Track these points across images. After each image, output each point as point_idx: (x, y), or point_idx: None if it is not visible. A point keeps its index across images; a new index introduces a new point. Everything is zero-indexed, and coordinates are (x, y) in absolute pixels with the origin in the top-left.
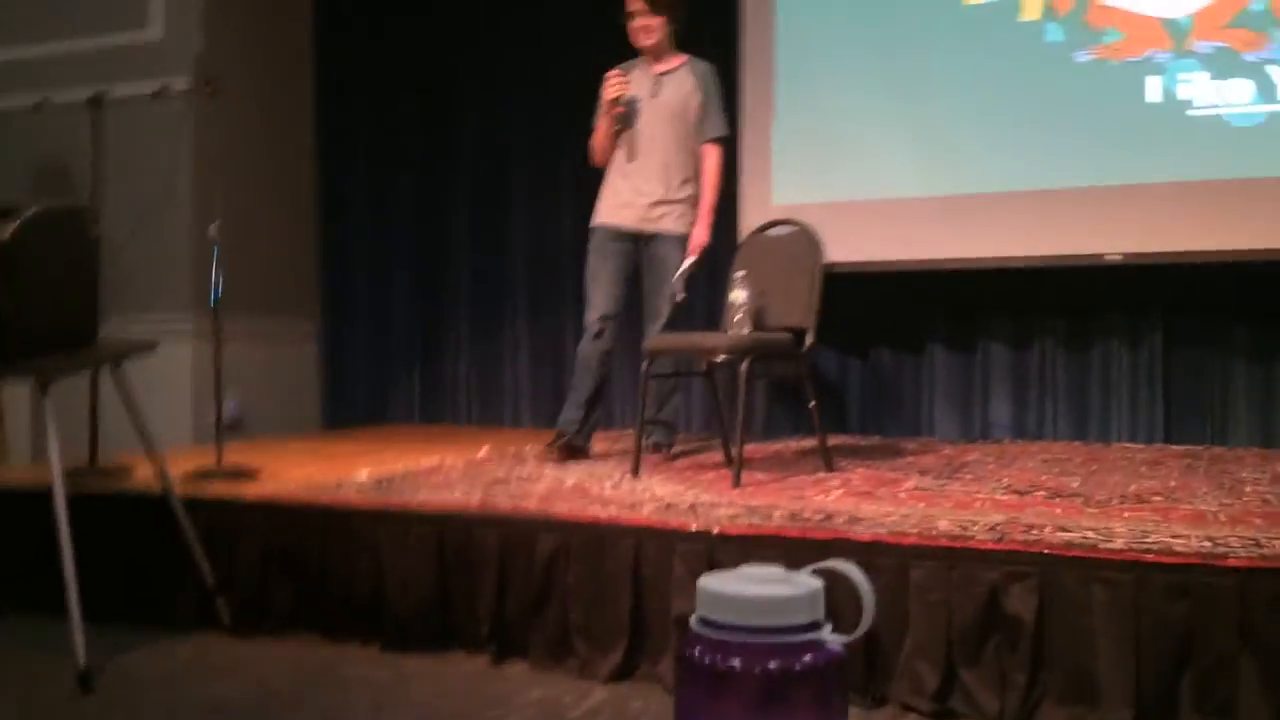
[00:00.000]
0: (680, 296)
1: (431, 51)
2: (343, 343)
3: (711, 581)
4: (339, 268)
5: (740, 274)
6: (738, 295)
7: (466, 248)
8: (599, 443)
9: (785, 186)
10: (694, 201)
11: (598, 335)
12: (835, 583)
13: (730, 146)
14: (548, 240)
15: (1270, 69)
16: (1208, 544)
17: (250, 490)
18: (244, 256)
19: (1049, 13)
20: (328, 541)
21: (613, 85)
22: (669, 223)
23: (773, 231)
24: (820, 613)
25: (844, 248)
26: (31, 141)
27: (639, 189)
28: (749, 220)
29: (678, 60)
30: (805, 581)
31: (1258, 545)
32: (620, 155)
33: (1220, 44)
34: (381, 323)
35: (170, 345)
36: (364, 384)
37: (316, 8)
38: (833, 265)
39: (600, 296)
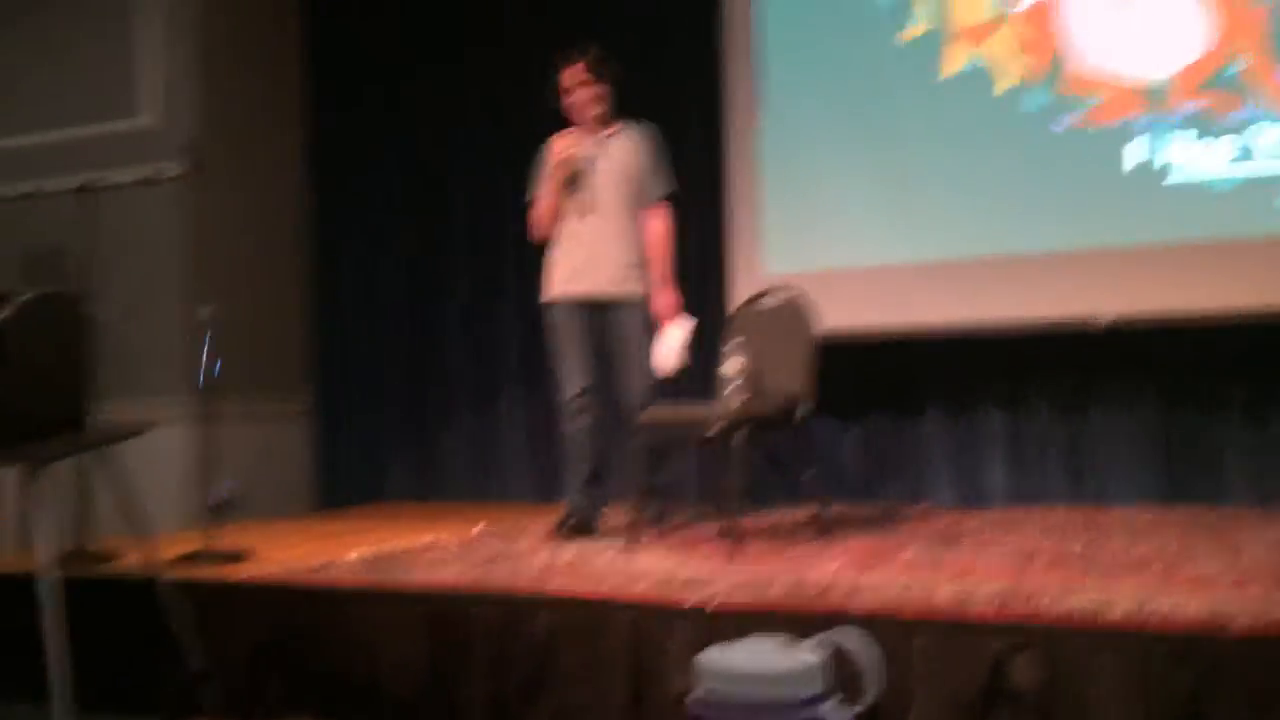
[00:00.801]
0: (669, 371)
1: (423, 134)
2: (337, 421)
3: (714, 656)
4: (332, 346)
5: (733, 344)
6: (731, 366)
7: (459, 322)
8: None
9: (775, 257)
10: (645, 265)
11: (580, 412)
12: (842, 653)
13: (717, 217)
14: (541, 314)
15: (1246, 131)
16: (1209, 611)
17: (239, 573)
18: (236, 337)
19: (1024, 81)
20: (319, 624)
21: (559, 149)
22: (630, 287)
23: (764, 302)
24: (826, 685)
25: (836, 315)
26: (23, 229)
27: (595, 255)
28: (740, 291)
29: (617, 125)
30: (809, 654)
31: (1259, 611)
32: (567, 225)
33: (1196, 107)
34: (375, 400)
35: (163, 428)
36: (358, 463)
37: (308, 92)
38: (826, 333)
39: (575, 372)
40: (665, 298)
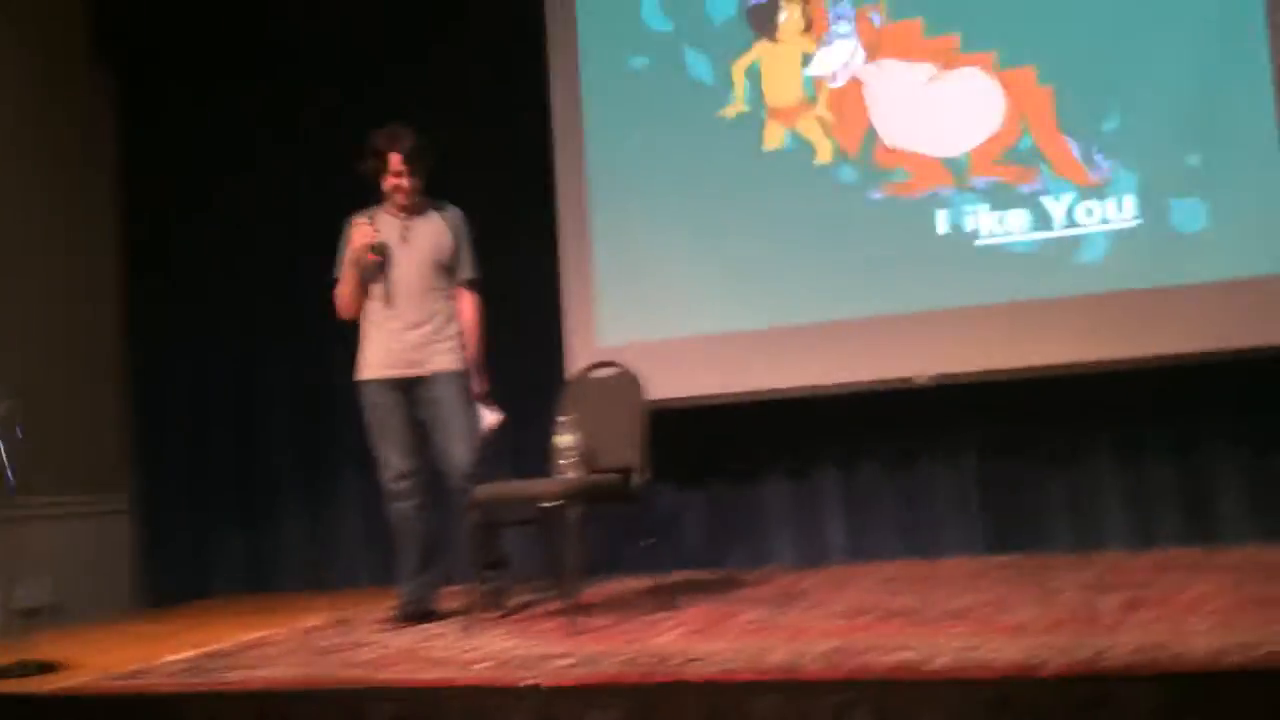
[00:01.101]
0: (495, 420)
1: (242, 214)
2: (158, 514)
3: None
4: (151, 438)
5: (566, 418)
6: (564, 439)
7: (287, 404)
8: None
9: (608, 328)
10: (459, 339)
11: (401, 495)
12: None
13: (552, 289)
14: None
15: (1043, 199)
16: (1023, 655)
17: (49, 684)
18: (47, 433)
19: (840, 155)
20: None
21: (363, 232)
22: (440, 360)
23: (597, 373)
24: None
25: (670, 384)
26: None
27: (402, 335)
28: (576, 362)
29: (423, 205)
30: None
31: (1069, 653)
32: (375, 305)
33: (995, 178)
34: (199, 490)
35: None
36: (184, 557)
37: (119, 174)
38: (660, 401)
39: (393, 454)
40: (479, 384)
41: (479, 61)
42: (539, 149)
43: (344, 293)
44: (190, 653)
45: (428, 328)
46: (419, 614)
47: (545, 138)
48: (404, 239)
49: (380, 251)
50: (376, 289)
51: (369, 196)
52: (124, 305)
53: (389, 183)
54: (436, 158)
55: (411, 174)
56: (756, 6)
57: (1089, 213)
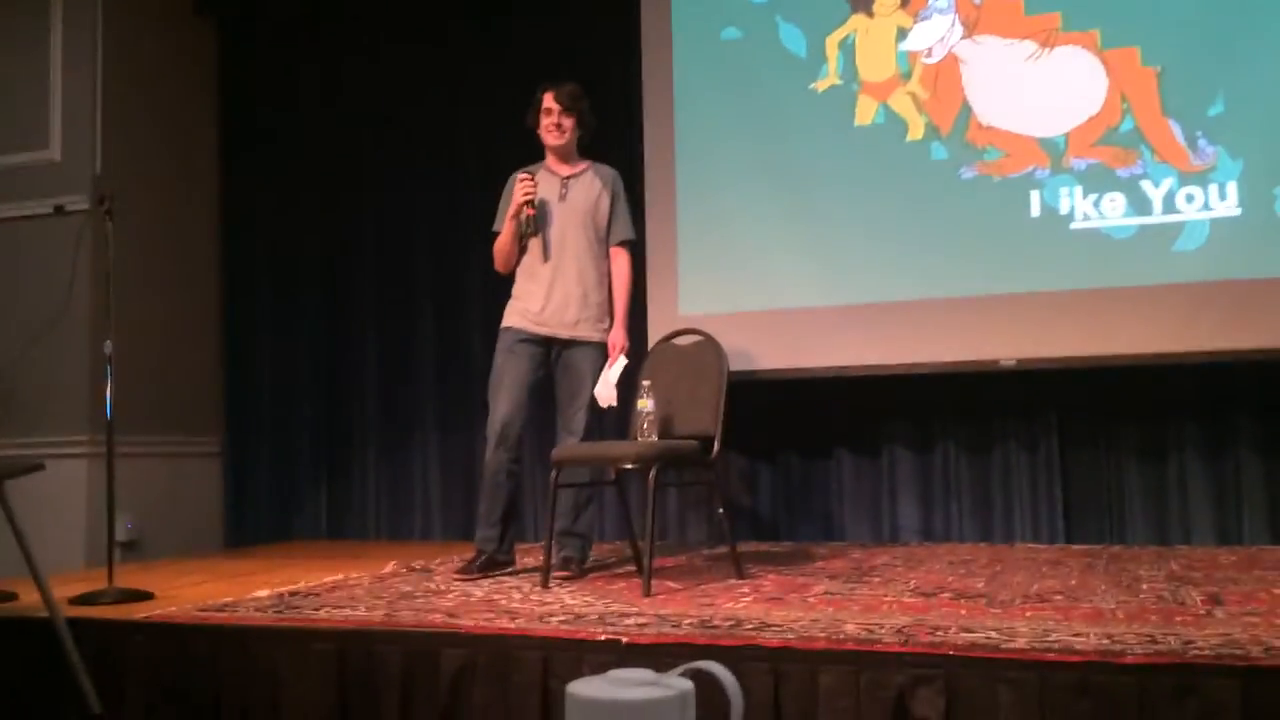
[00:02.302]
0: (612, 402)
1: (335, 171)
2: (247, 459)
3: (579, 688)
4: (243, 383)
5: (646, 383)
6: (644, 404)
7: (374, 359)
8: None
9: (691, 297)
10: (606, 307)
11: (500, 445)
12: (706, 684)
13: (638, 256)
14: (455, 350)
15: (1143, 184)
16: (1106, 641)
17: (140, 611)
18: (144, 374)
19: (932, 131)
20: (222, 663)
21: (524, 187)
22: (584, 329)
23: (679, 340)
24: (690, 715)
25: (749, 356)
26: None
27: (552, 294)
28: (656, 330)
29: (582, 165)
30: (675, 684)
31: (1153, 641)
32: (530, 259)
33: (1094, 161)
34: (286, 438)
35: (66, 465)
36: (268, 501)
37: (220, 130)
38: (737, 373)
39: (504, 402)
40: (617, 334)
41: (571, 26)
42: (629, 116)
43: (502, 245)
44: (276, 590)
45: (580, 290)
46: (490, 565)
47: (635, 105)
48: (562, 197)
49: (537, 207)
50: (531, 244)
51: (460, 164)
52: (221, 260)
53: (542, 125)
54: (593, 115)
55: (566, 112)
56: None
57: (1190, 199)
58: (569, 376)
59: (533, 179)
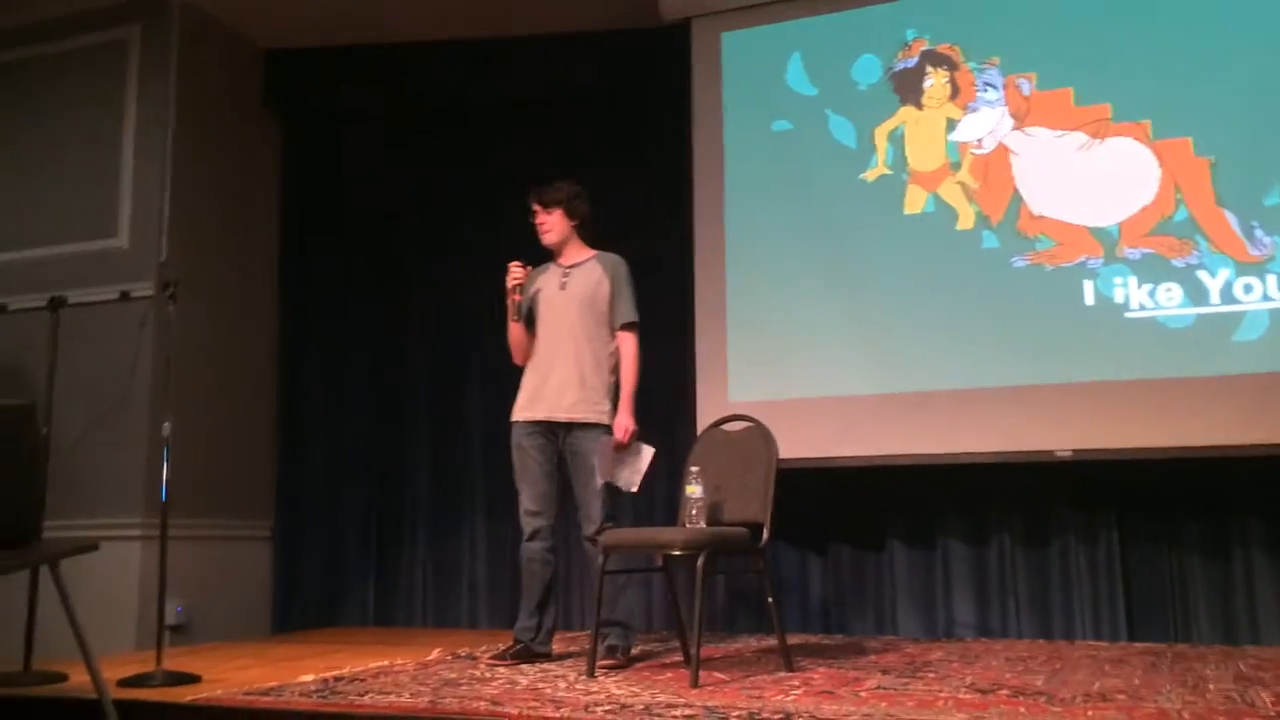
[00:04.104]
0: (633, 488)
1: (392, 265)
2: (296, 545)
3: None
4: (295, 467)
5: (695, 469)
6: (693, 489)
7: (424, 448)
8: (557, 643)
9: (740, 384)
10: (606, 391)
11: (532, 536)
12: None
13: (688, 343)
14: (503, 439)
15: (1199, 274)
16: None
17: (187, 694)
18: (200, 457)
19: (982, 221)
20: None
21: (512, 275)
22: (581, 411)
23: (728, 427)
24: None
25: (799, 444)
26: None
27: (550, 381)
28: (706, 417)
29: (586, 254)
30: None
31: None
32: (534, 349)
33: (1148, 250)
34: (336, 522)
35: (119, 547)
36: (317, 587)
37: (281, 221)
38: (787, 461)
39: (528, 498)
40: (621, 418)
41: (623, 119)
42: (679, 205)
43: (512, 336)
44: (322, 675)
45: (577, 373)
46: (526, 654)
47: (686, 190)
48: (563, 287)
49: (524, 294)
50: (538, 335)
51: (506, 251)
52: (277, 346)
53: (536, 223)
54: (588, 207)
55: (545, 210)
56: (902, 72)
57: (1248, 289)
58: (576, 463)
59: (522, 266)
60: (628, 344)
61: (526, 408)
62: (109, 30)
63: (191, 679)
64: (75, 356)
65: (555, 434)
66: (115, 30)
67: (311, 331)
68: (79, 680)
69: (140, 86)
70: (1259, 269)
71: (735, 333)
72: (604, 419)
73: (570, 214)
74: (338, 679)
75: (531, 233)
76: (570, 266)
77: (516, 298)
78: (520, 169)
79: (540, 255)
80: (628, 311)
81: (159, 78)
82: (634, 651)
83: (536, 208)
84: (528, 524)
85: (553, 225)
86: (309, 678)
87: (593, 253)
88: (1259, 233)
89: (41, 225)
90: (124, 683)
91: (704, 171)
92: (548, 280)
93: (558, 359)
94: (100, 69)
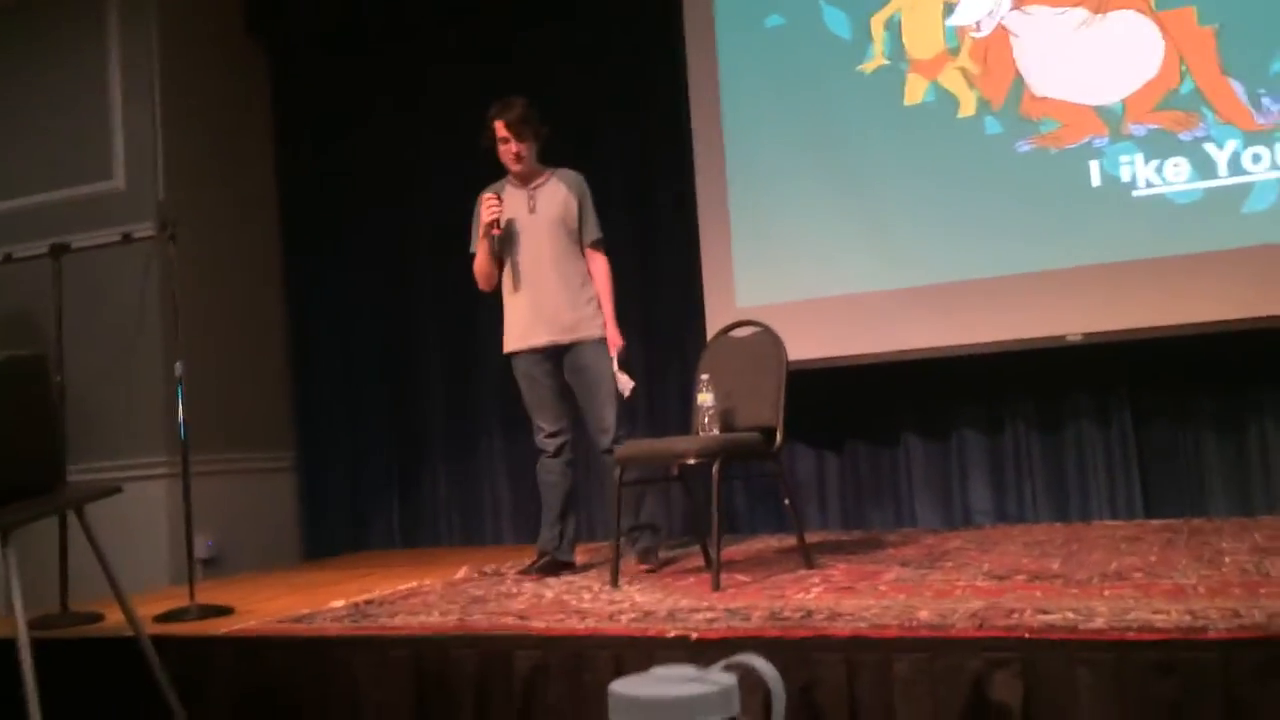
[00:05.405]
0: (631, 385)
1: (391, 185)
2: (319, 472)
3: (620, 686)
4: (312, 400)
5: (705, 377)
6: (705, 398)
7: (438, 369)
8: (581, 554)
9: (748, 289)
10: (598, 304)
11: (553, 453)
12: (749, 676)
13: (693, 252)
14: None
15: (1206, 146)
16: (1188, 618)
17: (221, 626)
18: (215, 393)
19: (984, 106)
20: (302, 673)
21: (488, 209)
22: (584, 329)
23: (737, 332)
24: (734, 710)
25: (809, 344)
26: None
27: (541, 304)
28: (714, 323)
29: (545, 174)
30: (717, 679)
31: (1237, 616)
32: (511, 277)
33: (1154, 126)
34: (358, 450)
35: (144, 486)
36: (343, 513)
37: (276, 148)
38: (799, 362)
39: (545, 418)
40: (613, 334)
41: (614, 23)
42: (676, 109)
43: (479, 267)
44: (352, 599)
45: (565, 294)
46: (551, 568)
47: (682, 98)
48: (531, 209)
49: (504, 227)
50: (511, 260)
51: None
52: (283, 274)
53: (500, 151)
54: (544, 124)
55: (519, 139)
56: None
57: (1256, 159)
58: (582, 377)
59: (497, 197)
60: (599, 261)
61: (526, 336)
62: None
63: (225, 611)
64: (83, 301)
65: (556, 355)
66: None
67: (316, 258)
68: (115, 619)
69: (122, 24)
70: (1266, 137)
71: (740, 238)
72: (600, 331)
73: (536, 136)
74: (368, 603)
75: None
76: (533, 188)
77: (497, 232)
78: (503, 79)
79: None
80: (595, 229)
81: (140, 14)
82: (654, 558)
83: (507, 134)
84: (548, 443)
85: (525, 151)
86: (339, 603)
87: (549, 171)
88: (1265, 100)
89: (37, 173)
90: (159, 618)
91: (698, 74)
92: (512, 205)
93: (545, 282)
94: (80, 9)
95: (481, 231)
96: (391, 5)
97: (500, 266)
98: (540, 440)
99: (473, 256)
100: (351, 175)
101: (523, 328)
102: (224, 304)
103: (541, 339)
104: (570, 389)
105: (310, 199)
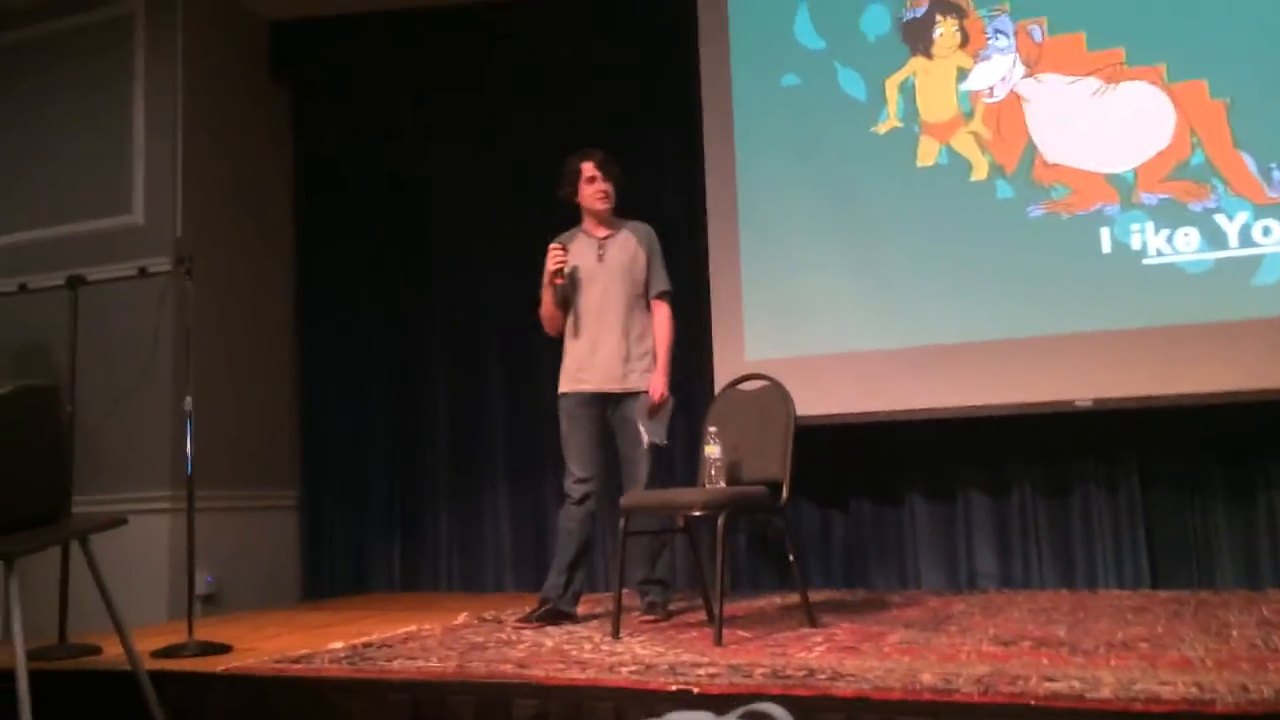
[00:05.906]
0: (662, 441)
1: (406, 230)
2: (322, 513)
3: None
4: (318, 437)
5: (713, 429)
6: (712, 450)
7: (445, 414)
8: (584, 605)
9: (756, 343)
10: (654, 358)
11: (578, 500)
12: None
13: (703, 303)
14: (525, 404)
15: (1216, 218)
16: (1195, 690)
17: (219, 664)
18: (223, 429)
19: (996, 171)
20: (299, 714)
21: (554, 258)
22: (634, 380)
23: (745, 386)
24: None
25: (817, 401)
26: (13, 324)
27: (599, 352)
28: (723, 376)
29: (617, 224)
30: None
31: (1245, 690)
32: (575, 321)
33: (1165, 196)
34: (361, 491)
35: (148, 520)
36: (343, 554)
37: (294, 191)
38: (806, 418)
39: (576, 462)
40: (656, 381)
41: (631, 79)
42: (691, 166)
43: (545, 312)
44: (351, 641)
45: (624, 345)
46: (556, 615)
47: (697, 151)
48: (600, 258)
49: (567, 276)
50: (575, 307)
51: (517, 216)
52: (295, 315)
53: (587, 193)
54: (620, 172)
55: (606, 178)
56: (911, 21)
57: (1266, 232)
58: (626, 429)
59: (563, 247)
60: (662, 312)
61: (576, 380)
62: (113, 6)
63: (223, 649)
64: (96, 334)
65: (605, 403)
66: (119, 5)
67: (329, 300)
68: (113, 652)
69: (147, 61)
70: (1277, 210)
71: (750, 292)
72: (647, 384)
73: (617, 180)
74: (366, 645)
75: (545, 199)
76: (604, 238)
77: (560, 281)
78: (529, 134)
79: (556, 226)
80: (663, 280)
81: (165, 52)
82: (659, 611)
83: (596, 173)
84: (576, 489)
85: (612, 193)
86: (338, 645)
87: (622, 222)
88: (1277, 174)
89: (57, 204)
90: (157, 654)
91: (713, 130)
92: (582, 252)
93: (604, 331)
94: (106, 45)
95: (546, 279)
96: (412, 52)
97: (566, 311)
98: (568, 485)
99: (538, 301)
100: (367, 219)
101: (576, 370)
102: (236, 341)
103: (591, 384)
104: (609, 440)
105: (326, 241)
